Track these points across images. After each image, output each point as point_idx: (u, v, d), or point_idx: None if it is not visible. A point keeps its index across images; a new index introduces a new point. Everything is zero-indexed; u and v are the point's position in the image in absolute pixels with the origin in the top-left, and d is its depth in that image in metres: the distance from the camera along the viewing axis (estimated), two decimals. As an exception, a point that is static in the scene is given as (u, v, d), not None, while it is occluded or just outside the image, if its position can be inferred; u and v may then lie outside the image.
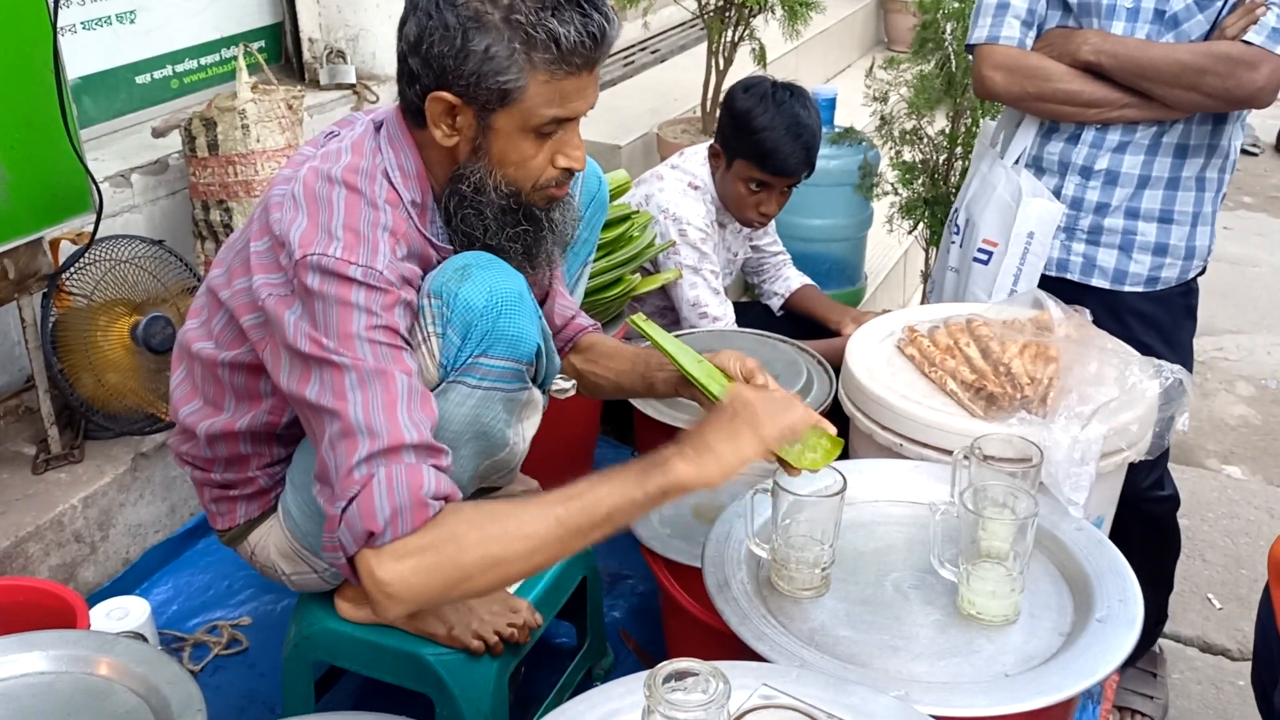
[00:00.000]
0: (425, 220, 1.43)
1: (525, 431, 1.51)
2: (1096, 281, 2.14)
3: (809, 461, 1.42)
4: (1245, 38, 1.90)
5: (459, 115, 1.36)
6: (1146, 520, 2.20)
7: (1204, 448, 3.54)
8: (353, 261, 1.29)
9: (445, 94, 1.34)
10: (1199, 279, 2.20)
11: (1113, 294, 2.12)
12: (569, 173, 1.43)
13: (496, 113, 1.35)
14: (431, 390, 1.38)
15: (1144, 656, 2.49)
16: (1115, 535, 2.20)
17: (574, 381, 1.72)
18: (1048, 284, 2.11)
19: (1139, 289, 2.13)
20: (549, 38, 1.30)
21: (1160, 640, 2.57)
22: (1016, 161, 2.15)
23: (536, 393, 1.50)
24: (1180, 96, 1.96)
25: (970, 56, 2.21)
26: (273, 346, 1.37)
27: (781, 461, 1.41)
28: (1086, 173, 2.09)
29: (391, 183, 1.39)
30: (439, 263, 1.42)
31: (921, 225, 3.12)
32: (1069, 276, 2.15)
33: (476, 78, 1.32)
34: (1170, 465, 2.30)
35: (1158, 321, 2.13)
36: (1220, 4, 1.95)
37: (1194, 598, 2.89)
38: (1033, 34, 2.10)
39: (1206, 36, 1.97)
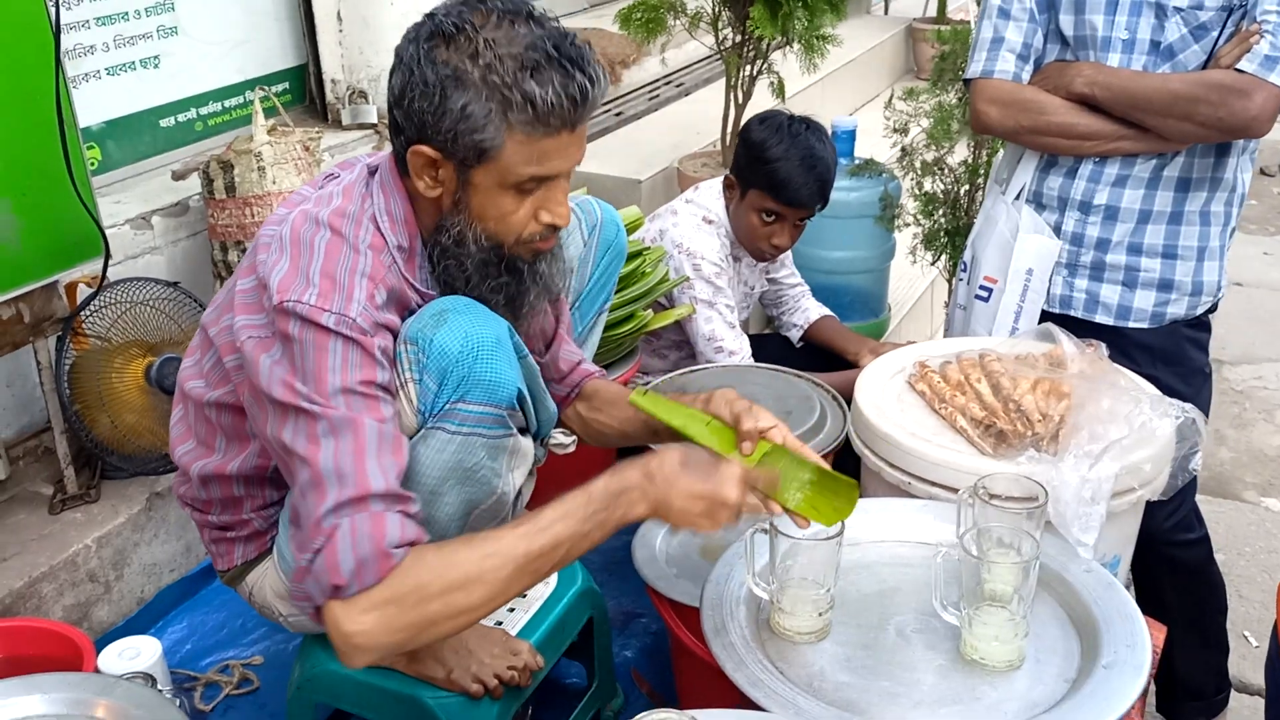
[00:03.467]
0: (413, 266, 1.43)
1: (515, 480, 1.49)
2: (1100, 318, 2.10)
3: (833, 514, 1.40)
4: (1238, 66, 1.86)
5: (440, 169, 1.37)
6: (1176, 566, 2.15)
7: (1242, 479, 3.45)
8: (326, 309, 1.30)
9: (426, 148, 1.35)
10: (1210, 316, 2.14)
11: (1116, 330, 2.08)
12: (553, 228, 1.43)
13: (475, 169, 1.35)
14: (411, 437, 1.38)
15: None
16: (1146, 583, 2.17)
17: (575, 437, 1.71)
18: (1051, 321, 2.06)
19: (1144, 325, 2.08)
20: (524, 99, 1.30)
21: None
22: (1018, 197, 2.12)
23: (525, 442, 1.49)
24: (1174, 127, 1.93)
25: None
26: (250, 390, 1.38)
27: (792, 513, 1.38)
28: (1085, 208, 2.06)
29: (379, 227, 1.40)
30: (419, 308, 1.42)
31: (944, 257, 3.09)
32: (1072, 313, 2.11)
33: (454, 135, 1.32)
34: (1206, 498, 2.23)
35: (1165, 354, 2.08)
36: (1215, 34, 1.91)
37: (1230, 636, 2.80)
38: (1029, 68, 2.07)
39: (1204, 67, 1.93)
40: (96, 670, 1.72)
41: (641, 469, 1.35)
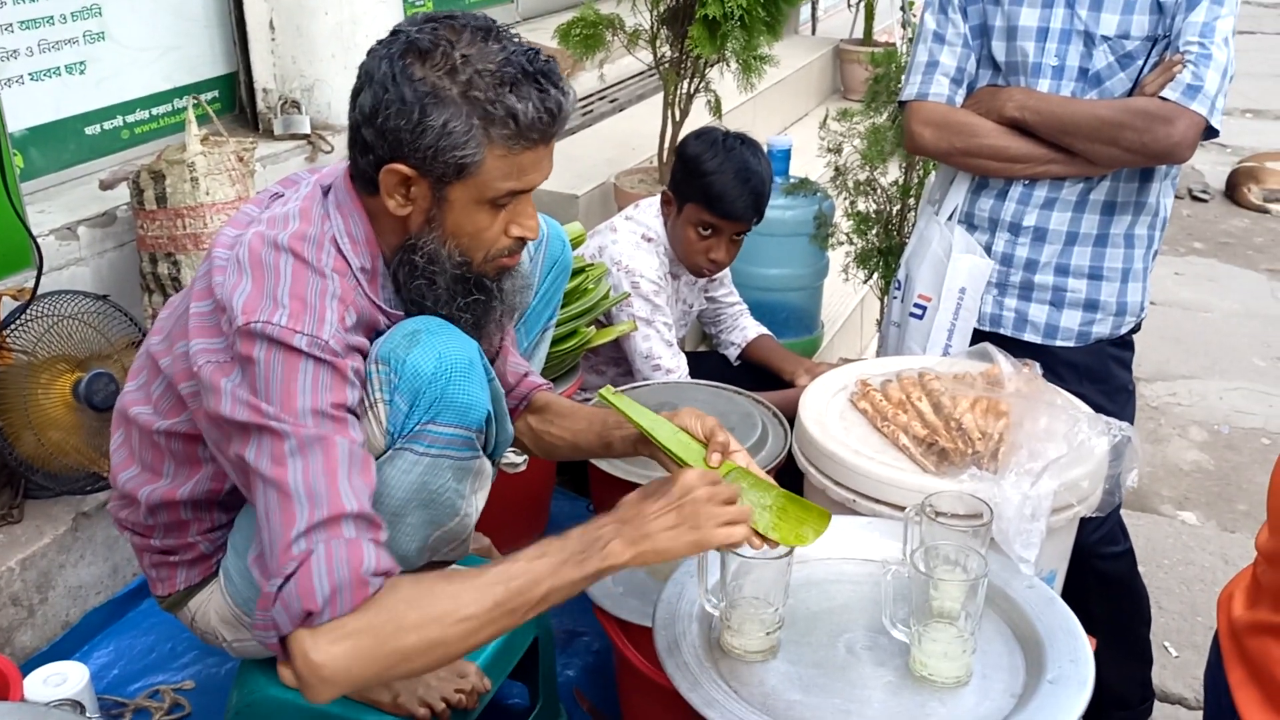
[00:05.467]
0: (376, 287, 1.41)
1: (477, 503, 1.48)
2: (1029, 336, 2.16)
3: (796, 538, 1.41)
4: (1162, 94, 1.94)
5: (414, 186, 1.35)
6: (1102, 578, 2.20)
7: (1158, 494, 3.57)
8: (298, 330, 1.27)
9: (400, 166, 1.33)
10: (1133, 335, 2.21)
11: (1044, 348, 2.14)
12: (522, 242, 1.43)
13: (452, 185, 1.34)
14: (378, 457, 1.36)
15: None
16: (1073, 595, 2.22)
17: (525, 457, 1.70)
18: (981, 338, 2.12)
19: (1070, 344, 2.15)
20: (507, 114, 1.30)
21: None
22: (950, 217, 2.18)
23: (487, 463, 1.47)
24: (1100, 151, 2.00)
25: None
26: (208, 415, 1.33)
27: (765, 539, 1.38)
28: (1015, 229, 2.12)
29: (340, 250, 1.37)
30: (388, 328, 1.40)
31: (876, 275, 3.14)
32: (1002, 331, 2.17)
33: (433, 152, 1.31)
34: (1125, 511, 2.30)
35: (1091, 371, 2.14)
36: (1141, 62, 1.99)
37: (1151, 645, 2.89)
38: (962, 91, 2.13)
39: (1130, 94, 2.00)
40: (23, 698, 1.66)
41: (610, 516, 1.33)
